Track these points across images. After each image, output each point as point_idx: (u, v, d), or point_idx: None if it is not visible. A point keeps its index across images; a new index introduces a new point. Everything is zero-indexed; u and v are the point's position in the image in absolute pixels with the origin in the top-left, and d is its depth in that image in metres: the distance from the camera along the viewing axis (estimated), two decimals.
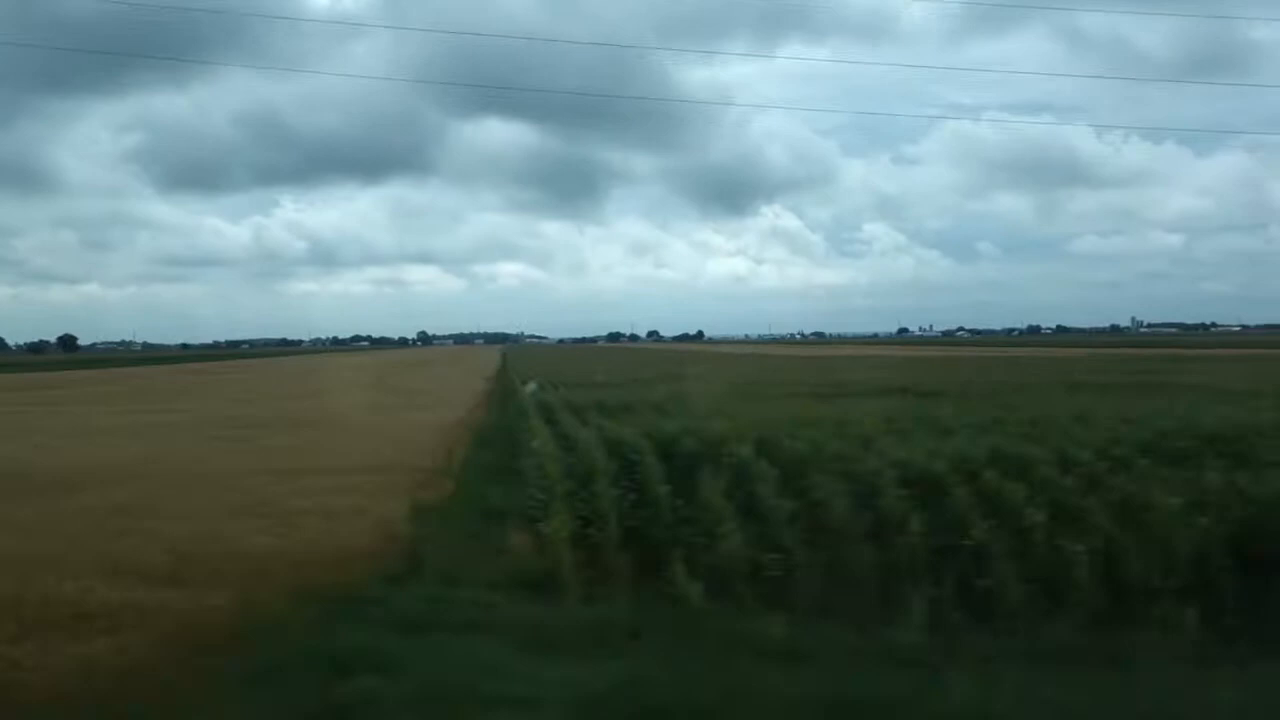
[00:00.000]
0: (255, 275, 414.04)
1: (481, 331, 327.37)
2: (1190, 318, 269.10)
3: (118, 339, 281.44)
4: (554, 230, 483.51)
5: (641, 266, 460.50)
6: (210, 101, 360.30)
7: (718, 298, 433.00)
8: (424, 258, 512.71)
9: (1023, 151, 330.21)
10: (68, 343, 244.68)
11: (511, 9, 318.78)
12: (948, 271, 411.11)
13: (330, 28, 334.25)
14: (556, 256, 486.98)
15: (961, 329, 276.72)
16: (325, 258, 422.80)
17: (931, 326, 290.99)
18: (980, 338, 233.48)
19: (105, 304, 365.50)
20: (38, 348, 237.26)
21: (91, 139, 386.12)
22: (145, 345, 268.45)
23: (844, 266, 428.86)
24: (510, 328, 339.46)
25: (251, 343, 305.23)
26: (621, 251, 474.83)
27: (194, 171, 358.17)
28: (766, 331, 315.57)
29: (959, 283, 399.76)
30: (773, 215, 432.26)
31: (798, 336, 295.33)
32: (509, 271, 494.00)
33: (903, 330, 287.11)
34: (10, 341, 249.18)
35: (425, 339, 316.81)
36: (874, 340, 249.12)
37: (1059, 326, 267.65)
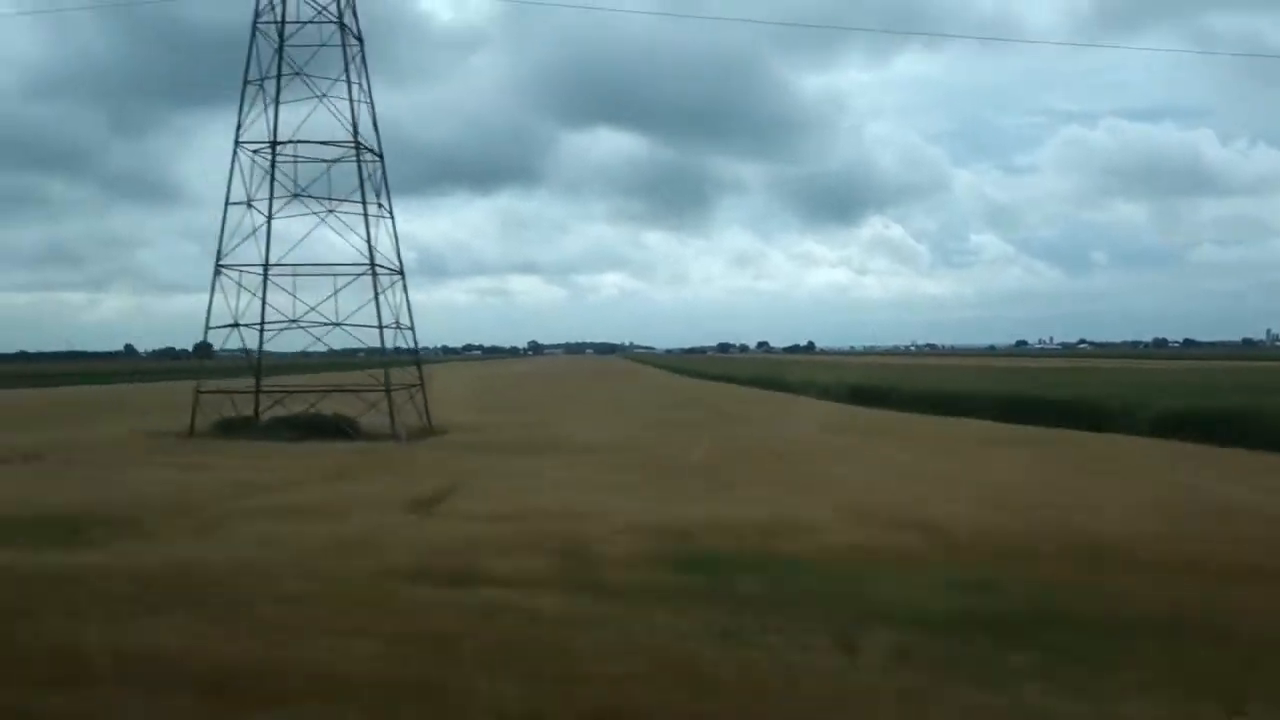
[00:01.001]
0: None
1: (590, 341, 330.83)
2: None
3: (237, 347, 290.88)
4: (659, 240, 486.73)
5: (745, 277, 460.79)
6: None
7: (823, 308, 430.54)
8: (530, 268, 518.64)
9: (1141, 158, 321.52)
10: (202, 351, 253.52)
11: (628, 20, 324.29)
12: (1057, 282, 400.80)
13: (452, 39, 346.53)
14: (661, 267, 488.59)
15: (1084, 341, 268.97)
16: (433, 267, 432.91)
17: (1052, 339, 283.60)
18: (1106, 350, 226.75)
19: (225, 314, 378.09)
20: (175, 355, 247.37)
21: (218, 151, 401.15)
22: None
23: (952, 277, 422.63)
24: (614, 337, 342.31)
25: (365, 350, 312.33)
26: (726, 262, 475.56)
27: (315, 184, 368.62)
28: (875, 343, 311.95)
29: (1070, 293, 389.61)
30: (880, 225, 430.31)
31: (912, 348, 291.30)
32: (613, 282, 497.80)
33: (1021, 343, 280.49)
34: (140, 349, 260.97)
35: (536, 348, 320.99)
36: (992, 353, 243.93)
37: (1186, 340, 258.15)
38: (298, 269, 32.51)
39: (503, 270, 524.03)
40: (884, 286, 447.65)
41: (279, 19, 32.12)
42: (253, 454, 24.99)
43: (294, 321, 32.57)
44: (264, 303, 32.50)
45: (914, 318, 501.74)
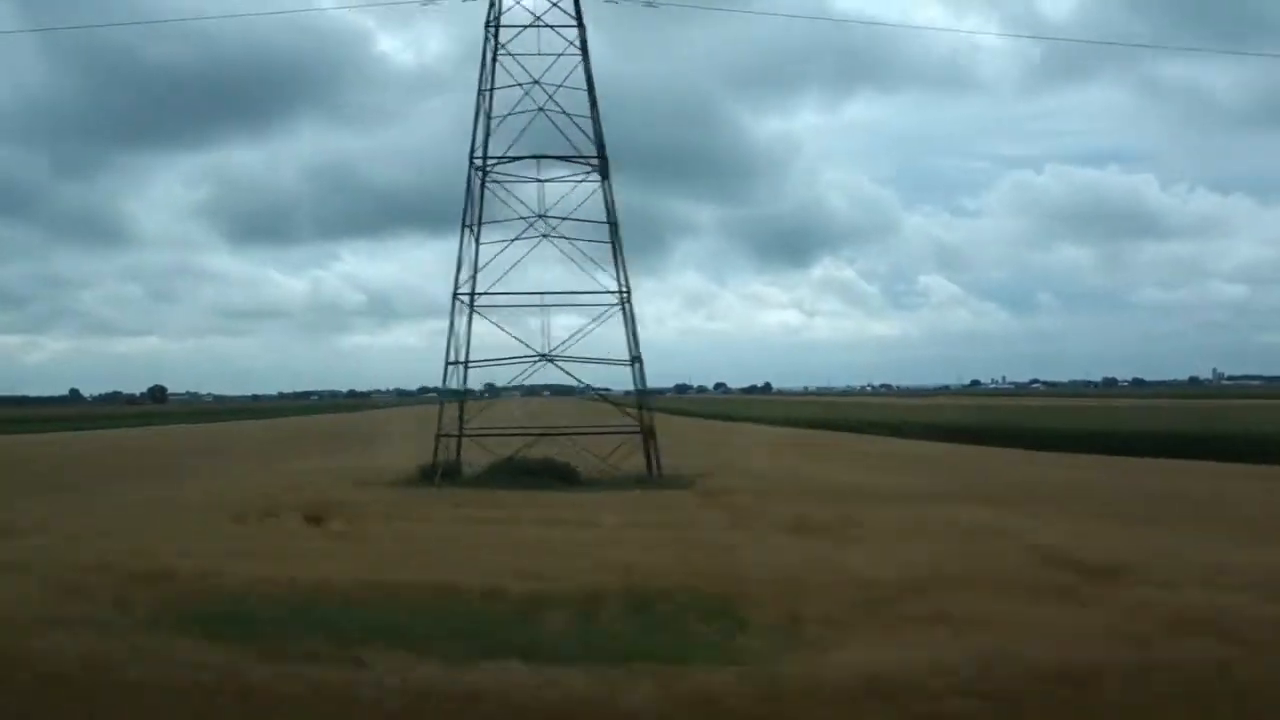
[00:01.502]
0: (310, 327, 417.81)
1: (545, 384, 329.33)
2: (1268, 369, 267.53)
3: (183, 390, 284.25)
4: (608, 282, 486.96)
5: (698, 318, 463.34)
6: (282, 154, 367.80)
7: (776, 349, 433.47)
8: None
9: (1086, 203, 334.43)
10: (158, 394, 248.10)
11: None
12: (1005, 323, 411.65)
13: (408, 81, 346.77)
14: (648, 312, 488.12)
15: (1036, 381, 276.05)
16: (385, 309, 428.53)
17: (1004, 378, 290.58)
18: (1057, 390, 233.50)
19: (166, 356, 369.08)
20: (133, 399, 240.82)
21: (165, 192, 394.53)
22: (215, 397, 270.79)
23: (902, 318, 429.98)
24: (567, 380, 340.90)
25: (319, 394, 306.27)
26: (678, 303, 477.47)
27: (261, 224, 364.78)
28: (829, 383, 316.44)
29: (1017, 334, 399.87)
30: (832, 267, 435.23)
31: (868, 388, 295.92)
32: (562, 323, 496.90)
33: (974, 383, 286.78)
34: (85, 393, 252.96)
35: (493, 391, 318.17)
36: (946, 392, 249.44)
37: (1135, 379, 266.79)
38: (545, 297, 32.27)
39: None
40: (835, 327, 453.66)
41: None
42: (563, 503, 24.64)
43: (543, 356, 32.27)
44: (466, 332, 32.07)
45: (865, 358, 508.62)
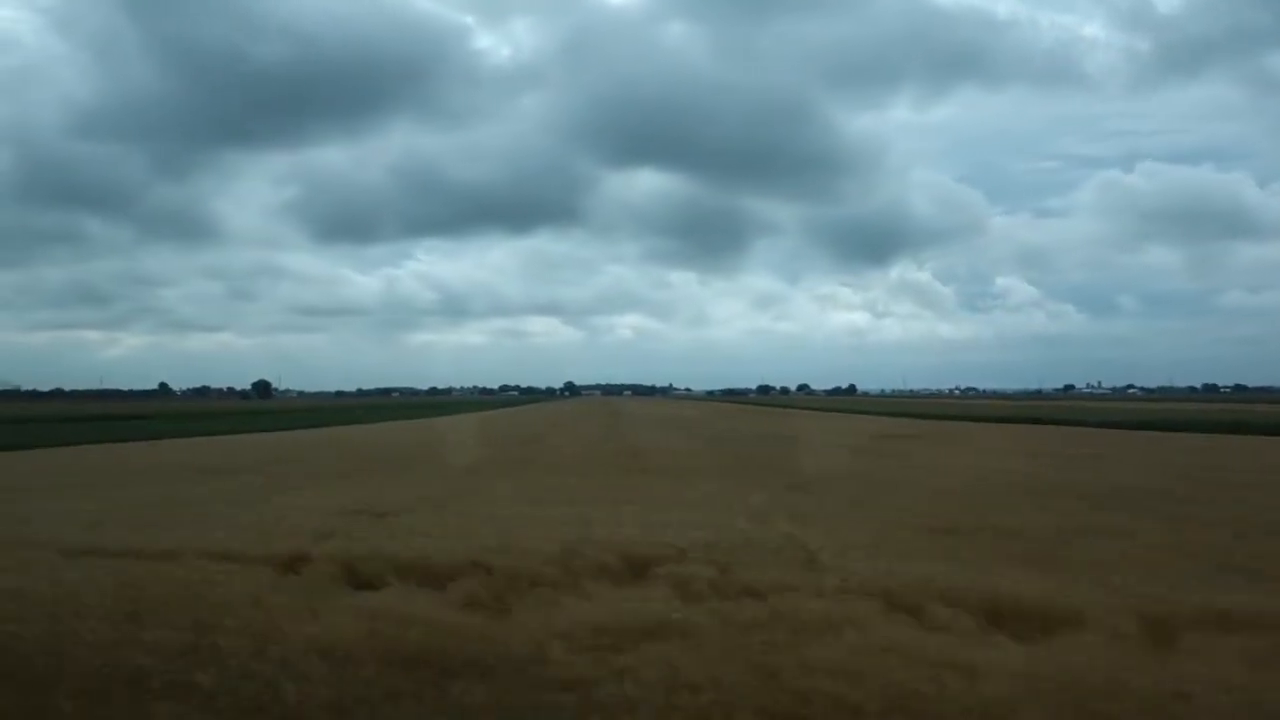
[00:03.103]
0: (383, 325, 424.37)
1: (625, 384, 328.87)
2: None
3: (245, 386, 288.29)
4: (694, 282, 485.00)
5: (769, 318, 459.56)
6: (372, 154, 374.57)
7: (856, 350, 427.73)
8: (563, 309, 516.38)
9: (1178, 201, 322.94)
10: (262, 389, 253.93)
11: (680, 60, 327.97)
12: (1087, 326, 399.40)
13: (503, 77, 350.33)
14: (697, 309, 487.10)
15: (1132, 386, 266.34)
16: (459, 307, 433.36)
17: (1100, 383, 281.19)
18: (1159, 394, 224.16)
19: (244, 352, 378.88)
20: (244, 394, 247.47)
21: (253, 191, 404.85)
22: (298, 393, 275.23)
23: (979, 321, 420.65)
24: (639, 379, 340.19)
25: (399, 390, 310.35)
26: (760, 304, 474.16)
27: (344, 223, 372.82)
28: (916, 385, 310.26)
29: (1104, 337, 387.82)
30: (914, 268, 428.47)
31: (956, 391, 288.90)
32: (637, 323, 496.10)
33: (1069, 387, 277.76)
34: (175, 387, 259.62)
35: (573, 389, 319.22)
36: (1040, 396, 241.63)
37: (1236, 385, 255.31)
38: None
39: (540, 311, 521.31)
40: (917, 329, 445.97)
41: None
42: None
43: None
44: None
45: (946, 360, 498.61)
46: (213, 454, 30.12)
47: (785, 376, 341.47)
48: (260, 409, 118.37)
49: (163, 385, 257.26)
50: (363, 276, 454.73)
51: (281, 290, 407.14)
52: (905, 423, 54.96)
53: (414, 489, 17.09)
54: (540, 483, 18.29)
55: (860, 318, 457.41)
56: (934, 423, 54.80)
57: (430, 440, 40.16)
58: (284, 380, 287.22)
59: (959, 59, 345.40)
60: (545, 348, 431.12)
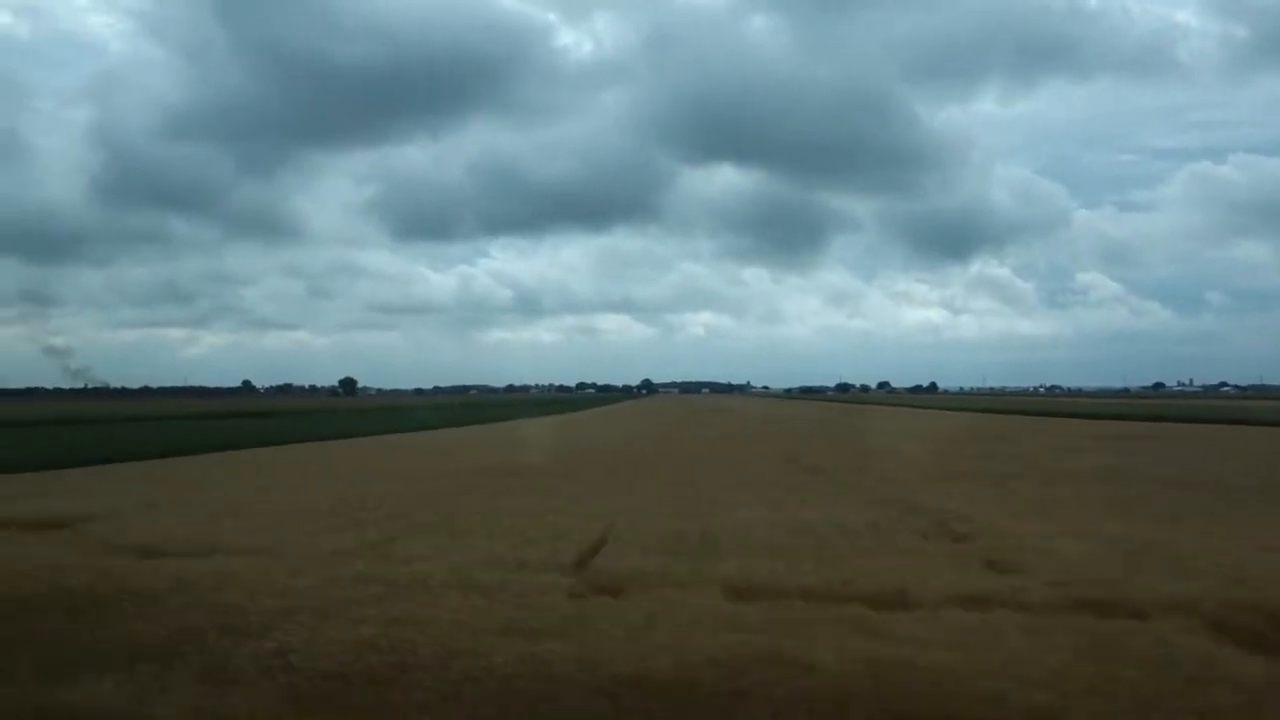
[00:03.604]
0: (458, 323, 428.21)
1: (703, 381, 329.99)
2: None
3: (322, 384, 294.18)
4: (767, 279, 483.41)
5: (854, 316, 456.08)
6: (451, 152, 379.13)
7: (936, 349, 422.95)
8: (636, 306, 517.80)
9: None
10: (348, 386, 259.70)
11: (762, 54, 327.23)
12: (1170, 323, 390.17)
13: (584, 74, 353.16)
14: (770, 306, 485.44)
15: (1225, 384, 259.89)
16: (532, 305, 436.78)
17: (1192, 381, 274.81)
18: (1252, 393, 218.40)
19: (312, 350, 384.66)
20: (334, 392, 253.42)
21: (334, 190, 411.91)
22: (377, 390, 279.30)
23: (1061, 318, 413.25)
24: (714, 376, 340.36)
25: (476, 388, 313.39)
26: (835, 301, 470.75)
27: (423, 221, 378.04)
28: (995, 383, 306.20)
29: (1191, 335, 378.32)
30: (994, 264, 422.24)
31: (1041, 389, 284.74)
32: (720, 322, 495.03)
33: (1158, 385, 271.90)
34: (258, 385, 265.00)
35: (650, 387, 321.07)
36: (1126, 395, 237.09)
37: None
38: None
39: (617, 308, 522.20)
40: (995, 326, 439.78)
41: None
42: None
43: None
44: None
45: (1024, 357, 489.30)
46: (431, 454, 32.15)
47: (860, 374, 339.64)
48: (368, 407, 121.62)
49: (246, 383, 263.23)
50: (438, 274, 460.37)
51: (359, 288, 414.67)
52: (1107, 425, 52.32)
53: (678, 489, 18.79)
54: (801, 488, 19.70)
55: (937, 314, 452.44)
56: (1125, 424, 52.86)
57: (600, 438, 41.60)
58: (360, 378, 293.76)
59: (1048, 50, 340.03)
60: (617, 345, 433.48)
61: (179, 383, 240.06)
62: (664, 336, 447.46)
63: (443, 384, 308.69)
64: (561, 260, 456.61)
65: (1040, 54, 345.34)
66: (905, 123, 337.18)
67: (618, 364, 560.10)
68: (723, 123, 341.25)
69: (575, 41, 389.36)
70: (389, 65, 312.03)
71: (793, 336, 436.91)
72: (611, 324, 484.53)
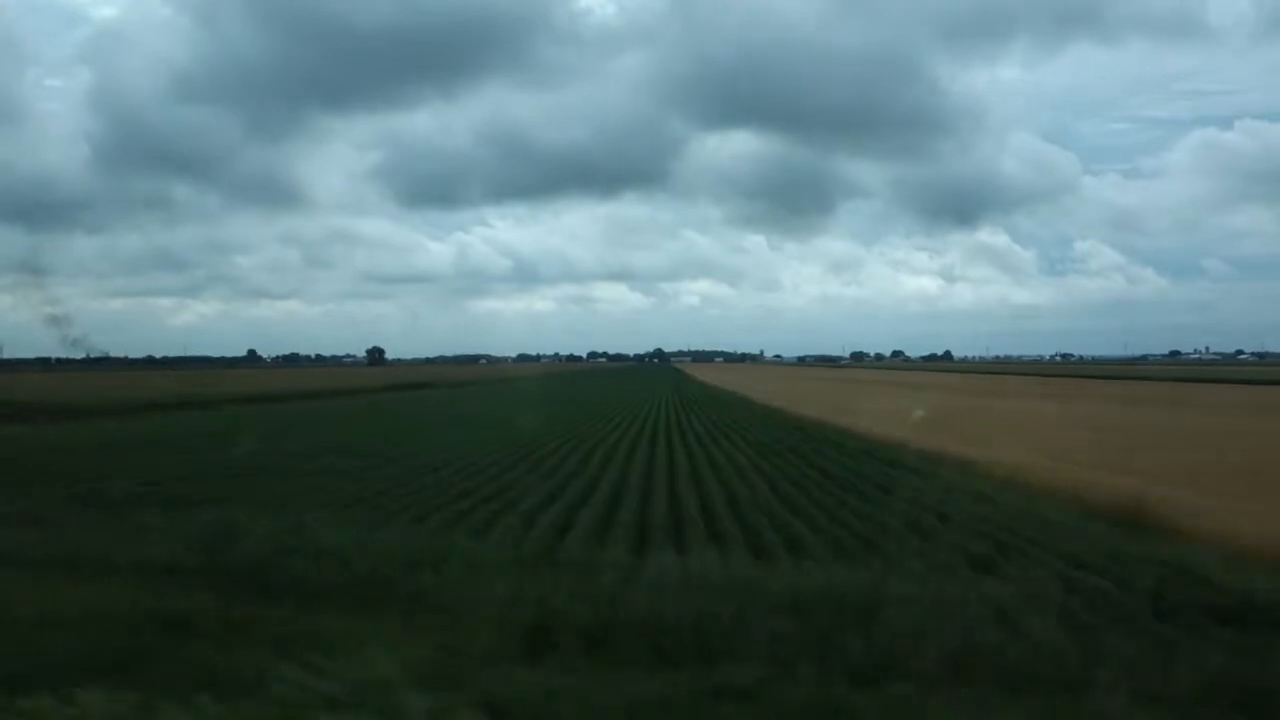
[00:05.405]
0: (454, 292, 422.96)
1: (716, 350, 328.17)
2: None
3: (342, 352, 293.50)
4: (764, 246, 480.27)
5: (868, 286, 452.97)
6: (460, 117, 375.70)
7: (947, 318, 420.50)
8: (634, 275, 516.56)
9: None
10: (376, 356, 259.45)
11: (787, 17, 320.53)
12: (1168, 291, 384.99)
13: (605, 36, 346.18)
14: (769, 274, 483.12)
15: (1242, 351, 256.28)
16: (536, 274, 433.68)
17: (1208, 348, 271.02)
18: (1270, 360, 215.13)
19: (306, 319, 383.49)
20: (359, 361, 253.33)
21: (338, 155, 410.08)
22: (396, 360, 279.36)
23: (1062, 286, 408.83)
24: (718, 346, 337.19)
25: (485, 357, 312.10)
26: (836, 269, 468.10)
27: (427, 187, 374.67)
28: (1000, 352, 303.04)
29: (1201, 302, 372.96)
30: (1006, 233, 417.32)
31: (1057, 358, 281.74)
32: (717, 290, 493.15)
33: (1174, 353, 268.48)
34: (263, 354, 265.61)
35: (662, 356, 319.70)
36: (1145, 361, 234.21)
37: None
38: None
39: (595, 277, 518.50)
40: (1020, 295, 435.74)
41: None
42: None
43: None
44: None
45: (1040, 325, 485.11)
46: None
47: (861, 343, 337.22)
48: (436, 380, 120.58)
49: (251, 352, 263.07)
50: (436, 243, 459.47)
51: (357, 257, 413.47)
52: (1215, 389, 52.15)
53: None
54: None
55: (957, 283, 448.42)
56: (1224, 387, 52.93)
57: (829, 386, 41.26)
58: (334, 349, 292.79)
59: (1078, 12, 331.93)
60: (615, 314, 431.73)
61: (179, 352, 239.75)
62: (660, 305, 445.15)
63: (447, 353, 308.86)
64: (561, 227, 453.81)
65: (1070, 16, 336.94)
66: (928, 87, 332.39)
67: (622, 333, 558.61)
68: (744, 87, 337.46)
69: (599, 2, 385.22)
70: (406, 26, 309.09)
71: (792, 305, 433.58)
72: (608, 293, 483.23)
